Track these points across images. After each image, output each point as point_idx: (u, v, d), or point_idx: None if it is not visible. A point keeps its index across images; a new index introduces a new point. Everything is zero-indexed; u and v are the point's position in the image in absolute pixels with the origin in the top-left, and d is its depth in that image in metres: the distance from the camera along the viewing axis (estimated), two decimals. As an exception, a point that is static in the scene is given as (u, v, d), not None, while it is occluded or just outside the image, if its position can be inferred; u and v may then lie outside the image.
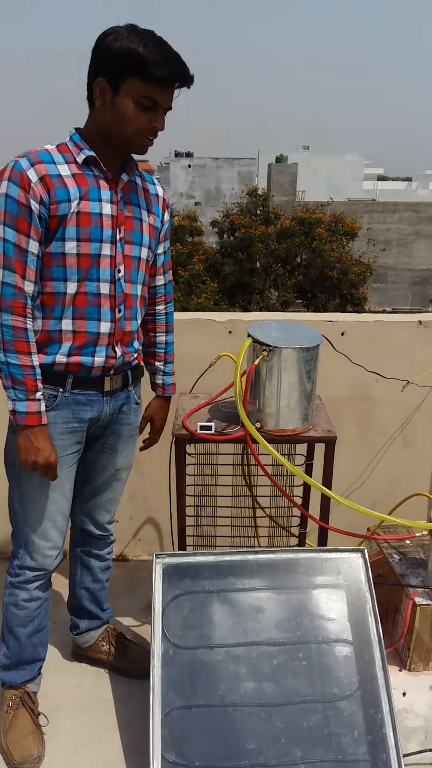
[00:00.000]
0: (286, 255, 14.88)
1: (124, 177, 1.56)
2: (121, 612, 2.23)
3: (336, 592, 1.83)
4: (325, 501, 1.87)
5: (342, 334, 2.36)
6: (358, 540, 2.16)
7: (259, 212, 16.10)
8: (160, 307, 1.82)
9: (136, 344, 1.69)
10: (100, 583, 1.95)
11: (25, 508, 1.64)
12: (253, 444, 1.77)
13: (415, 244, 25.79)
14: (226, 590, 1.83)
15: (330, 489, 1.84)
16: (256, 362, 1.72)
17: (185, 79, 1.46)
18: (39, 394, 1.50)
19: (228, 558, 1.84)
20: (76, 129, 1.55)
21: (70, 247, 1.48)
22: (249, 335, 1.78)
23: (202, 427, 1.80)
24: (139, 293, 1.64)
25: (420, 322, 2.38)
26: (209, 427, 1.80)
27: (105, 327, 1.57)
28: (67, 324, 1.53)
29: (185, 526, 1.93)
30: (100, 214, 1.50)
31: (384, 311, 24.55)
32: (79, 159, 1.49)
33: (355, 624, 1.78)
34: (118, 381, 1.67)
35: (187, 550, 1.97)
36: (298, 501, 2.14)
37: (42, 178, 1.43)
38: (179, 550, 1.96)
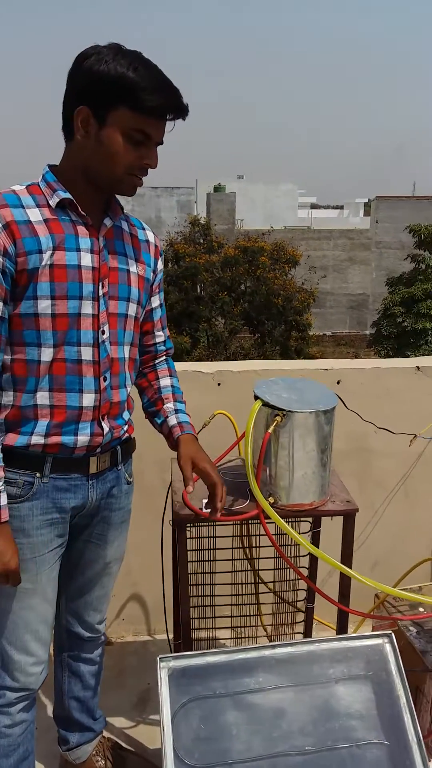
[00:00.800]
0: (231, 283, 14.87)
1: (107, 222, 1.35)
2: (110, 709, 1.94)
3: (364, 684, 1.62)
4: (345, 580, 1.66)
5: (338, 382, 2.20)
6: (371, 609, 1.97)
7: (201, 241, 16.09)
8: (160, 360, 1.62)
9: (126, 415, 1.45)
10: (91, 690, 1.67)
11: (1, 618, 1.37)
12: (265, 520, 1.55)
13: (350, 270, 26.53)
14: (241, 692, 1.59)
15: (350, 565, 1.64)
16: (270, 430, 1.51)
17: (180, 109, 1.26)
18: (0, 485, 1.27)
19: (241, 656, 1.59)
20: (50, 166, 1.33)
21: (44, 306, 1.26)
22: (257, 397, 1.57)
23: (208, 505, 1.56)
24: (127, 356, 1.43)
25: (418, 367, 2.25)
26: (215, 505, 1.57)
27: (88, 399, 1.34)
28: (42, 397, 1.30)
29: (189, 618, 1.68)
30: (79, 266, 1.29)
31: (324, 335, 25.04)
32: (53, 202, 1.28)
33: (388, 722, 1.57)
34: (106, 460, 1.43)
35: (192, 646, 1.71)
36: (304, 572, 1.93)
37: (6, 225, 1.22)
38: (183, 645, 1.70)
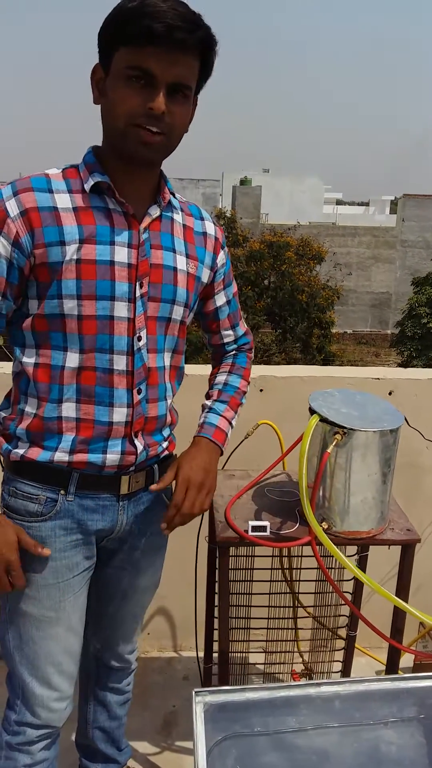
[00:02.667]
0: (255, 277, 14.69)
1: (153, 211, 1.17)
2: (132, 732, 1.81)
3: (416, 729, 1.47)
4: (400, 615, 1.52)
5: (390, 393, 2.05)
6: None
7: (227, 234, 15.93)
8: (229, 356, 1.44)
9: (165, 431, 1.29)
10: (118, 720, 1.55)
11: (21, 647, 1.22)
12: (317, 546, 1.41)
13: (374, 268, 26.18)
14: (281, 732, 1.46)
15: (407, 598, 1.50)
16: (329, 450, 1.36)
17: (188, 30, 1.01)
18: None
19: (283, 693, 1.46)
20: (93, 147, 1.17)
21: (70, 306, 1.10)
22: (313, 411, 1.43)
23: (255, 528, 1.43)
24: (168, 364, 1.25)
25: None
26: (263, 528, 1.43)
27: (120, 414, 1.18)
28: (69, 409, 1.15)
29: (228, 649, 1.54)
30: (112, 263, 1.11)
31: (345, 333, 24.76)
32: (87, 186, 1.11)
33: (444, 774, 1.43)
34: (140, 480, 1.26)
35: (228, 680, 1.58)
36: (348, 598, 1.79)
37: (24, 212, 1.06)
38: (220, 678, 1.57)
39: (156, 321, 1.19)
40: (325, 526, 1.42)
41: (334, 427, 1.38)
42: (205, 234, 1.28)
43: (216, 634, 1.66)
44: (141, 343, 1.17)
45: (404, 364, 15.41)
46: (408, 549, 1.48)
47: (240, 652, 1.84)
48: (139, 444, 1.22)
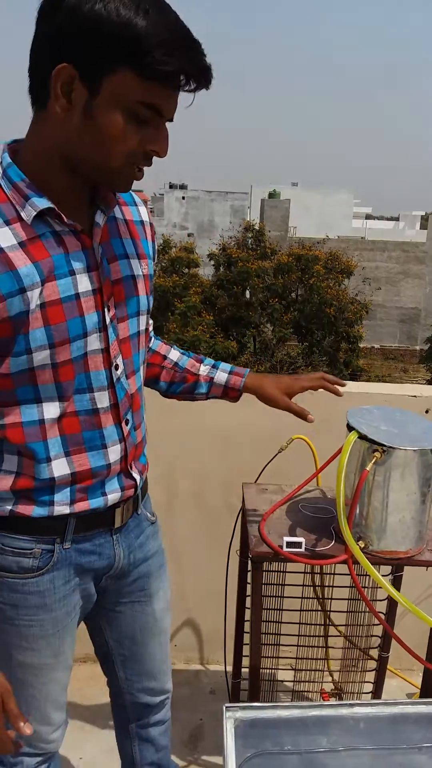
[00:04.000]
0: (283, 290, 14.68)
1: (99, 219, 0.98)
2: (158, 749, 1.81)
3: (451, 756, 1.44)
4: (436, 637, 1.49)
5: (427, 411, 2.02)
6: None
7: (254, 247, 15.96)
8: (151, 342, 1.34)
9: (146, 450, 1.22)
10: (164, 749, 1.49)
11: (19, 690, 1.12)
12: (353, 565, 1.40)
13: (403, 283, 25.97)
14: (312, 751, 1.44)
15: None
16: (368, 468, 1.35)
17: (206, 76, 0.87)
18: None
19: (316, 712, 1.44)
20: (10, 148, 0.94)
21: (41, 358, 0.94)
22: (352, 428, 1.42)
23: (290, 544, 1.42)
24: (142, 380, 1.16)
25: None
26: (298, 544, 1.42)
27: (114, 453, 1.08)
28: (61, 467, 1.02)
29: (259, 665, 1.53)
30: (77, 296, 0.96)
31: (373, 347, 24.56)
32: (26, 215, 0.90)
33: None
34: (130, 507, 1.18)
35: (259, 696, 1.56)
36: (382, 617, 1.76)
37: None
38: (250, 694, 1.56)
39: (129, 341, 1.07)
40: (362, 545, 1.40)
41: (373, 444, 1.36)
42: (142, 222, 1.11)
43: (246, 649, 1.65)
44: (119, 372, 1.06)
45: (432, 381, 15.22)
46: (446, 570, 1.45)
47: (269, 669, 1.82)
48: (136, 475, 1.15)
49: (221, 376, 1.35)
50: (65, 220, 0.93)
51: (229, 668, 1.91)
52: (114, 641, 1.30)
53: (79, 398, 1.01)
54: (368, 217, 45.53)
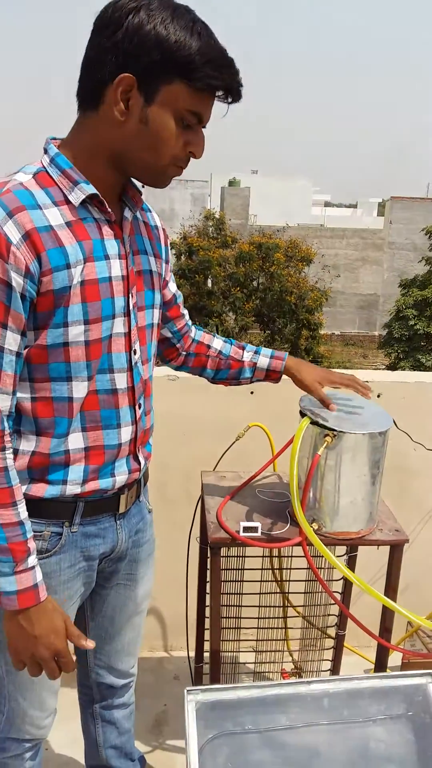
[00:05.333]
0: (244, 279, 14.71)
1: (128, 214, 1.10)
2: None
3: (404, 726, 1.50)
4: (388, 614, 1.55)
5: (378, 396, 2.08)
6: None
7: (215, 235, 15.93)
8: (193, 332, 1.43)
9: (151, 439, 1.28)
10: (128, 733, 1.53)
11: (14, 673, 1.17)
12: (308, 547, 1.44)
13: (362, 270, 26.36)
14: (272, 729, 1.48)
15: (395, 598, 1.53)
16: (320, 452, 1.39)
17: (239, 91, 1.03)
18: (32, 559, 1.03)
19: (275, 691, 1.48)
20: (57, 143, 1.05)
21: (76, 333, 1.02)
22: (304, 414, 1.45)
23: (246, 529, 1.45)
24: (152, 371, 1.24)
25: (464, 383, 2.12)
26: (254, 528, 1.45)
27: (126, 434, 1.15)
28: (76, 440, 1.09)
29: (220, 650, 1.56)
30: (109, 278, 1.05)
31: (333, 334, 24.87)
32: (74, 198, 1.01)
33: (431, 769, 1.45)
34: (133, 494, 1.25)
35: (220, 679, 1.60)
36: (337, 597, 1.81)
37: (27, 235, 0.95)
38: (212, 677, 1.59)
39: (145, 330, 1.17)
40: (316, 527, 1.44)
41: (324, 429, 1.40)
42: (157, 227, 1.23)
43: (207, 633, 1.68)
44: (137, 357, 1.14)
45: (392, 366, 15.51)
46: (396, 549, 1.50)
47: (230, 652, 1.86)
48: (142, 459, 1.21)
49: (263, 361, 1.44)
50: (106, 207, 1.04)
51: (192, 653, 1.94)
52: (92, 619, 1.35)
53: (101, 377, 1.09)
54: (327, 204, 45.90)
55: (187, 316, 1.41)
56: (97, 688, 1.44)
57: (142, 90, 0.97)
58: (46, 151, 1.04)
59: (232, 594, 1.78)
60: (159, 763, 1.80)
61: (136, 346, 1.14)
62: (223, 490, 1.65)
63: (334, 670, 1.95)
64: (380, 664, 1.61)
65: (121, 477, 1.17)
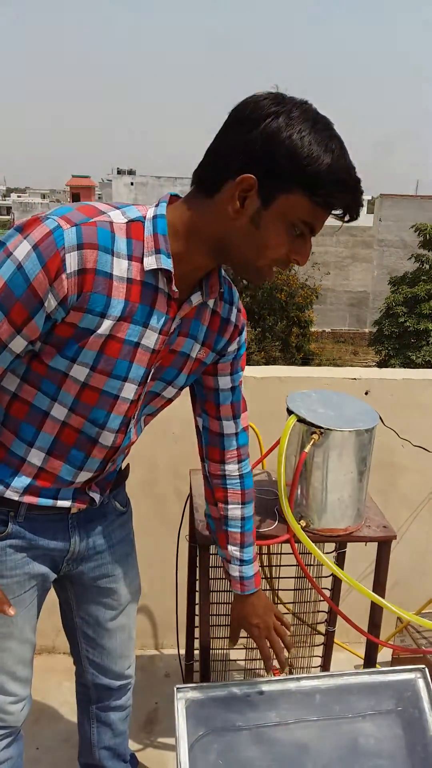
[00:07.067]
0: (234, 277, 14.71)
1: (195, 299, 1.07)
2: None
3: (393, 721, 1.51)
4: (377, 610, 1.56)
5: (366, 393, 2.09)
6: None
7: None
8: (232, 467, 1.31)
9: (118, 467, 1.26)
10: (122, 735, 1.53)
11: None
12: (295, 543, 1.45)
13: (351, 267, 26.45)
14: (262, 726, 1.49)
15: (384, 595, 1.54)
16: (306, 450, 1.39)
17: (358, 211, 0.99)
18: None
19: (264, 687, 1.49)
20: (168, 208, 1.02)
21: (78, 372, 1.03)
22: (290, 411, 1.46)
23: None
24: (143, 428, 1.22)
25: (451, 380, 2.14)
26: (243, 526, 1.45)
27: (84, 477, 1.15)
28: (35, 456, 1.09)
29: (209, 646, 1.57)
30: (137, 344, 1.03)
31: (324, 331, 24.95)
32: (147, 264, 0.99)
33: (420, 763, 1.47)
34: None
35: (210, 676, 1.60)
36: (326, 593, 1.82)
37: (81, 271, 0.94)
38: (202, 675, 1.59)
39: (148, 395, 1.15)
40: (303, 524, 1.45)
41: (311, 427, 1.41)
42: (228, 321, 1.18)
43: (197, 631, 1.68)
44: (132, 423, 1.13)
45: (382, 363, 15.58)
46: (384, 545, 1.51)
47: (221, 649, 1.86)
48: (95, 495, 1.19)
49: (234, 571, 1.35)
50: (173, 286, 1.02)
51: (182, 651, 1.94)
52: (80, 619, 1.35)
53: (90, 426, 1.08)
54: (317, 202, 45.93)
55: (230, 431, 1.29)
56: (93, 688, 1.44)
57: (261, 193, 0.95)
58: (157, 205, 1.02)
59: (221, 591, 1.78)
60: (150, 761, 1.80)
61: (137, 414, 1.14)
62: (212, 488, 1.65)
63: (324, 666, 1.96)
64: (369, 660, 1.62)
65: (63, 503, 1.16)
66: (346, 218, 0.99)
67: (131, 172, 29.30)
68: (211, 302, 1.13)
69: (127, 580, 1.35)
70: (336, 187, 0.94)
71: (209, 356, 1.18)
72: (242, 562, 1.33)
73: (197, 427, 1.32)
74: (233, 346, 1.21)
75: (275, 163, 0.93)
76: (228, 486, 1.31)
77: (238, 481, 1.32)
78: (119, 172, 29.54)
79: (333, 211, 0.98)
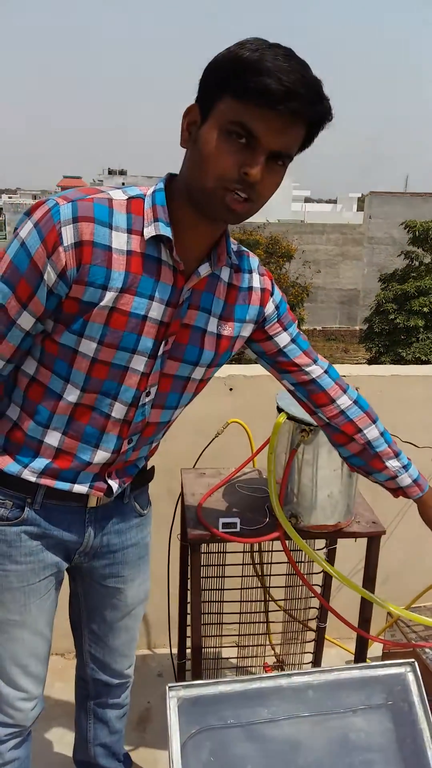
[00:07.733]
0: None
1: (202, 270, 1.06)
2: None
3: (384, 715, 1.52)
4: (366, 605, 1.57)
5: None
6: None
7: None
8: (342, 400, 1.29)
9: (141, 462, 1.26)
10: (118, 733, 1.54)
11: None
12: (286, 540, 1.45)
13: (342, 265, 26.50)
14: (254, 723, 1.49)
15: (373, 590, 1.55)
16: (296, 447, 1.40)
17: (309, 101, 0.91)
18: None
19: (255, 685, 1.49)
20: (168, 180, 1.05)
21: (87, 347, 1.04)
22: (280, 409, 1.46)
23: (225, 525, 1.45)
24: (172, 418, 1.22)
25: (439, 375, 2.15)
26: (233, 524, 1.46)
27: (101, 457, 1.15)
28: (52, 437, 1.12)
29: (201, 645, 1.57)
30: (144, 317, 1.04)
31: (315, 329, 25.00)
32: (146, 233, 1.00)
33: (411, 757, 1.48)
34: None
35: (202, 675, 1.60)
36: (317, 590, 1.83)
37: (78, 244, 0.96)
38: (193, 673, 1.60)
39: (172, 379, 1.14)
40: (294, 521, 1.45)
41: (300, 424, 1.41)
42: (250, 289, 1.17)
43: (189, 630, 1.68)
44: (148, 399, 1.13)
45: (373, 360, 15.64)
46: (374, 541, 1.52)
47: (213, 647, 1.87)
48: (113, 483, 1.19)
49: (404, 481, 1.33)
50: (174, 254, 1.02)
51: (175, 650, 1.94)
52: (86, 612, 1.36)
53: (102, 399, 1.09)
54: (307, 200, 46.06)
55: (317, 374, 1.27)
56: (93, 683, 1.46)
57: (201, 114, 0.96)
58: (157, 183, 1.05)
59: (213, 590, 1.79)
60: (143, 760, 1.81)
61: (152, 389, 1.12)
62: (203, 487, 1.66)
63: (316, 662, 1.97)
64: (360, 655, 1.64)
65: (79, 487, 1.16)
66: (294, 110, 0.90)
67: (122, 173, 29.25)
68: (225, 275, 1.13)
69: (136, 583, 1.36)
70: (248, 69, 0.89)
71: (237, 329, 1.16)
72: (405, 467, 1.32)
73: (288, 391, 1.31)
74: (269, 308, 1.20)
75: (206, 81, 0.95)
76: (352, 416, 1.29)
77: (356, 407, 1.30)
78: (110, 172, 29.49)
79: (262, 99, 0.89)
